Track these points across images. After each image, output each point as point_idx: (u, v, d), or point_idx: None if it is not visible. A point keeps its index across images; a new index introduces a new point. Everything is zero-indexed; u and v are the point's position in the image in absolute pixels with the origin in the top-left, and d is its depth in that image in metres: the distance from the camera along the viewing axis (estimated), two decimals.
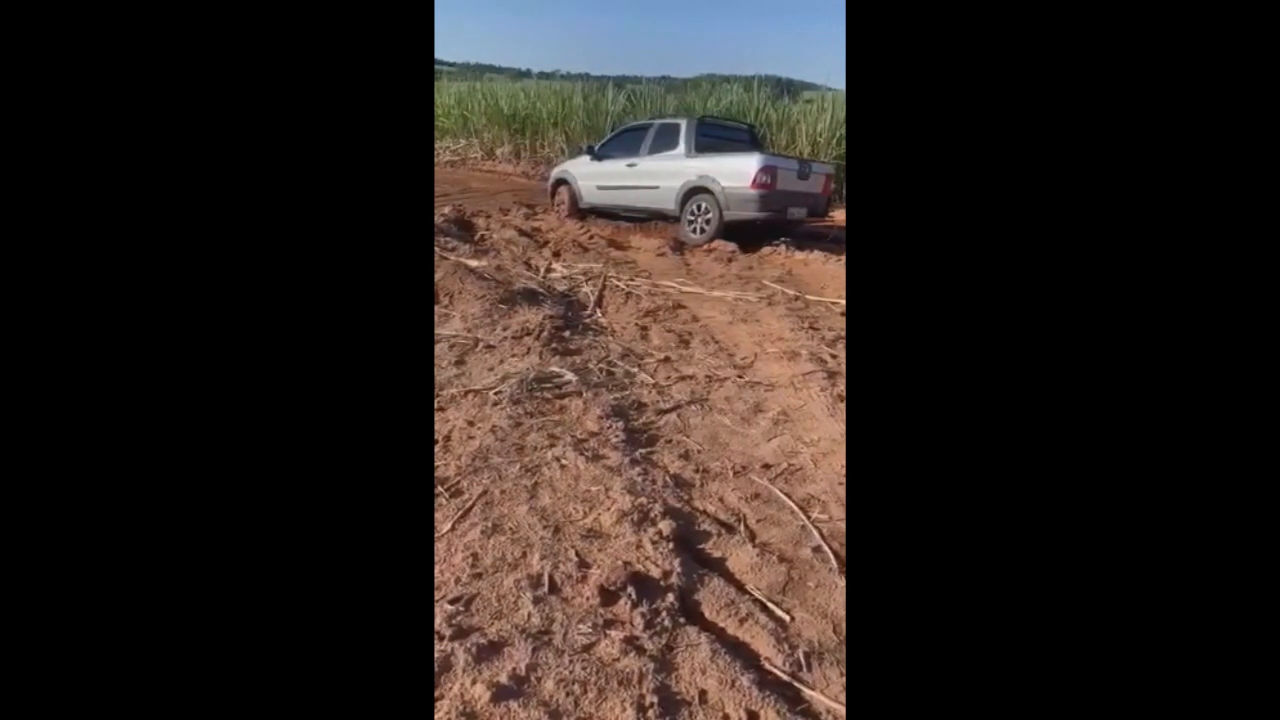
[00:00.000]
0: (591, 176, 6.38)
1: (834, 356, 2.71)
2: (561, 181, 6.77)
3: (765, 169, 5.14)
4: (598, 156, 6.38)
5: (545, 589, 1.19)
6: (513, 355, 2.44)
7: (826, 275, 4.48)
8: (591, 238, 5.48)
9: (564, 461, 1.65)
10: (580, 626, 1.10)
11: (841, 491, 1.63)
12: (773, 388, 2.35)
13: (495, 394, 2.05)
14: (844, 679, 1.05)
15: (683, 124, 5.80)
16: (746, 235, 5.28)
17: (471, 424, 1.85)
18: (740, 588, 1.26)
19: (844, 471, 1.72)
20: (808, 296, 3.78)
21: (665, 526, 1.38)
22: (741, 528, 1.47)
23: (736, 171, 5.21)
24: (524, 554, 1.28)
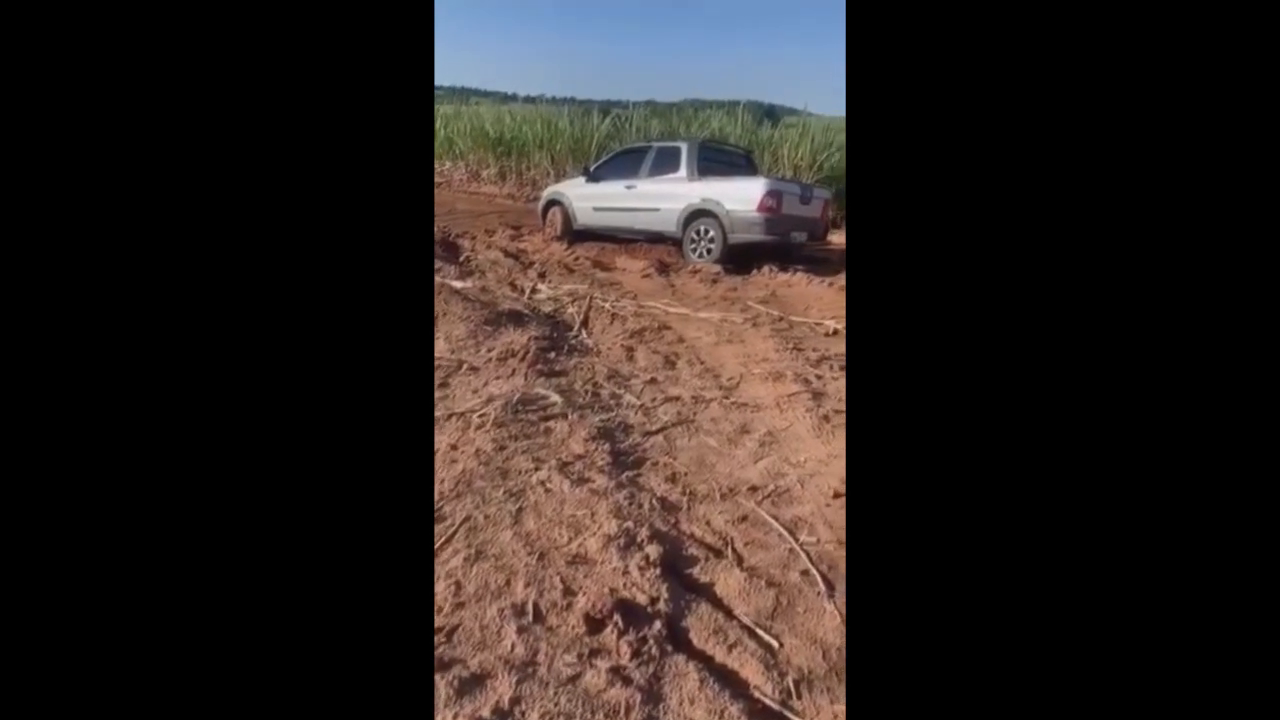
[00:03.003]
0: (587, 198, 6.42)
1: (819, 377, 2.72)
2: (554, 202, 6.79)
3: (771, 193, 5.23)
4: (593, 178, 6.43)
5: (529, 618, 1.16)
6: (497, 377, 2.42)
7: (810, 296, 4.52)
8: (577, 259, 5.50)
9: (549, 485, 1.63)
10: (565, 657, 1.07)
11: (829, 513, 1.62)
12: (759, 409, 2.35)
13: (479, 416, 2.02)
14: (834, 706, 1.03)
15: (683, 147, 5.87)
16: (743, 259, 5.34)
17: (455, 448, 1.82)
18: (729, 614, 1.24)
19: (831, 493, 1.72)
20: (792, 317, 3.81)
21: (652, 551, 1.36)
22: (729, 551, 1.45)
23: (742, 195, 5.29)
24: (508, 581, 1.26)
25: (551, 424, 2.03)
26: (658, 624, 1.16)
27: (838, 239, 6.74)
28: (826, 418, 2.26)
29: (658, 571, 1.30)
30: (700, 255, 5.45)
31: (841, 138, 10.24)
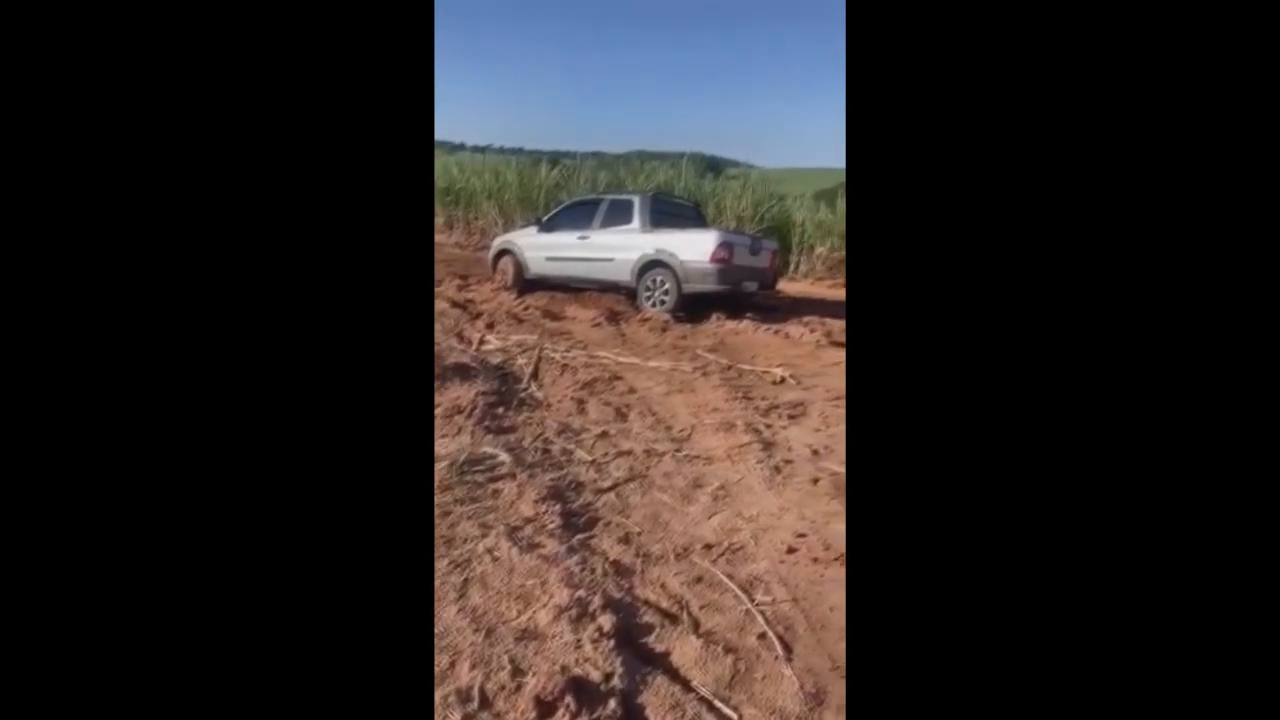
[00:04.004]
0: (539, 248, 6.46)
1: (768, 426, 2.75)
2: (505, 252, 6.79)
3: (723, 244, 5.40)
4: (546, 228, 6.50)
5: (475, 704, 1.09)
6: (442, 436, 2.34)
7: (757, 344, 4.62)
8: (526, 308, 5.47)
9: (496, 554, 1.56)
10: None
11: (783, 570, 1.61)
12: (710, 461, 2.35)
13: None
14: None
15: (636, 200, 6.03)
16: (693, 307, 5.44)
17: None
18: (686, 685, 1.19)
19: (785, 548, 1.71)
20: (740, 366, 3.88)
21: (605, 621, 1.31)
22: (685, 616, 1.41)
23: (695, 246, 5.44)
24: (452, 664, 1.18)
25: (500, 485, 1.97)
26: (612, 703, 1.10)
27: (787, 287, 6.97)
28: (777, 468, 2.27)
29: (611, 643, 1.25)
30: (655, 305, 5.54)
31: (781, 189, 10.72)
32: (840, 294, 8.24)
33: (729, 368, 3.81)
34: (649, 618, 1.39)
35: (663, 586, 1.52)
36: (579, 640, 1.25)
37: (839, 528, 1.82)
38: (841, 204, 9.85)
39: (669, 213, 6.24)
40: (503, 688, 1.13)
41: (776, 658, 1.28)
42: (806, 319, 5.46)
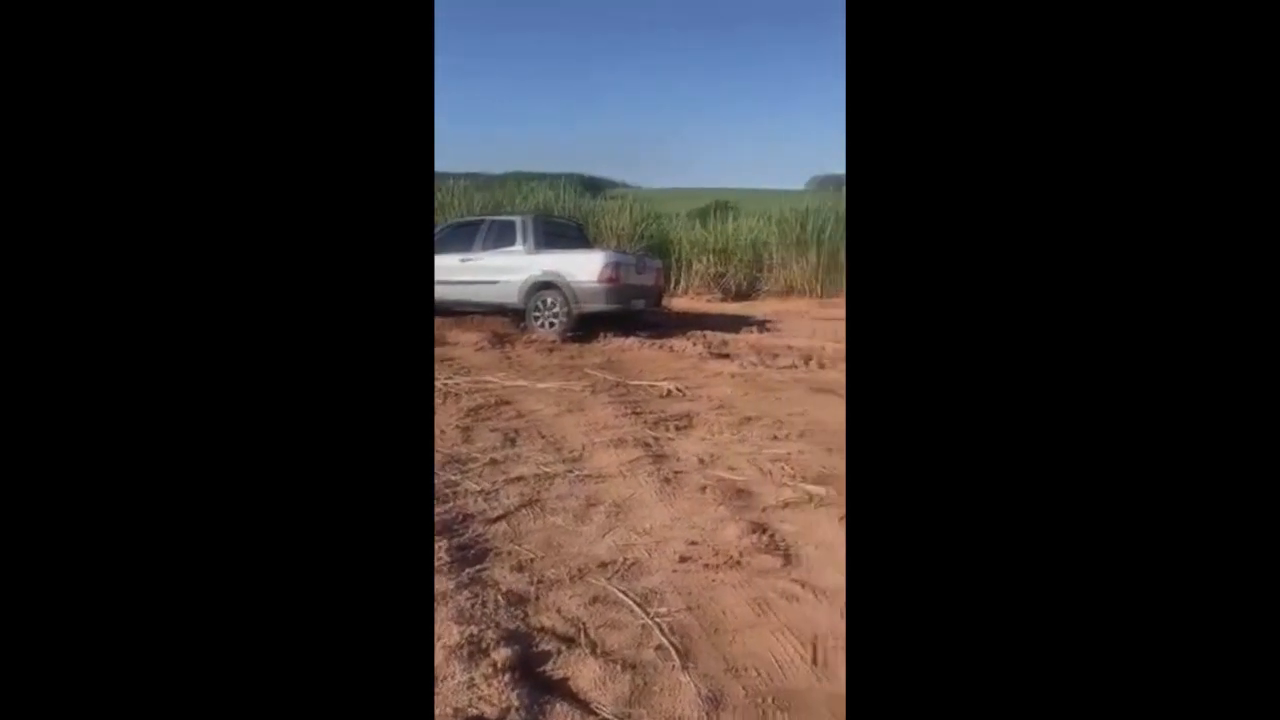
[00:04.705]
0: None
1: (656, 439, 2.81)
2: None
3: (612, 264, 5.45)
4: None
5: None
6: None
7: (644, 360, 4.73)
8: None
9: None
10: None
11: (677, 579, 1.65)
12: (603, 479, 2.35)
13: None
14: None
15: (518, 221, 5.97)
16: (582, 327, 5.45)
17: None
18: (586, 708, 1.18)
19: (677, 558, 1.75)
20: (629, 382, 3.94)
21: (501, 655, 1.27)
22: (582, 638, 1.40)
23: (583, 267, 5.48)
24: None
25: None
26: None
27: (670, 303, 7.18)
28: (668, 480, 2.33)
29: (508, 677, 1.21)
30: (545, 326, 5.51)
31: (661, 208, 11.08)
32: (719, 308, 8.64)
33: (618, 385, 3.86)
34: (546, 645, 1.36)
35: (559, 611, 1.50)
36: (472, 679, 1.20)
37: (727, 533, 1.90)
38: (714, 223, 10.36)
39: (553, 233, 6.26)
40: None
41: (674, 667, 1.31)
42: (690, 333, 5.66)
